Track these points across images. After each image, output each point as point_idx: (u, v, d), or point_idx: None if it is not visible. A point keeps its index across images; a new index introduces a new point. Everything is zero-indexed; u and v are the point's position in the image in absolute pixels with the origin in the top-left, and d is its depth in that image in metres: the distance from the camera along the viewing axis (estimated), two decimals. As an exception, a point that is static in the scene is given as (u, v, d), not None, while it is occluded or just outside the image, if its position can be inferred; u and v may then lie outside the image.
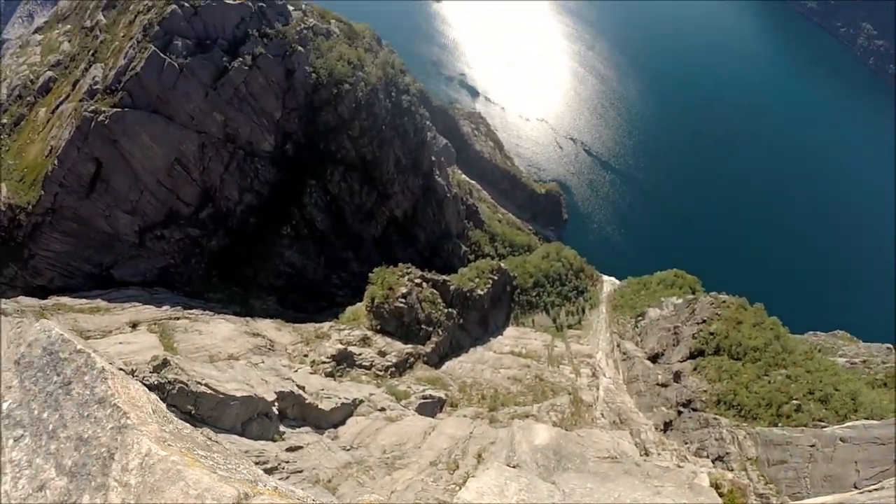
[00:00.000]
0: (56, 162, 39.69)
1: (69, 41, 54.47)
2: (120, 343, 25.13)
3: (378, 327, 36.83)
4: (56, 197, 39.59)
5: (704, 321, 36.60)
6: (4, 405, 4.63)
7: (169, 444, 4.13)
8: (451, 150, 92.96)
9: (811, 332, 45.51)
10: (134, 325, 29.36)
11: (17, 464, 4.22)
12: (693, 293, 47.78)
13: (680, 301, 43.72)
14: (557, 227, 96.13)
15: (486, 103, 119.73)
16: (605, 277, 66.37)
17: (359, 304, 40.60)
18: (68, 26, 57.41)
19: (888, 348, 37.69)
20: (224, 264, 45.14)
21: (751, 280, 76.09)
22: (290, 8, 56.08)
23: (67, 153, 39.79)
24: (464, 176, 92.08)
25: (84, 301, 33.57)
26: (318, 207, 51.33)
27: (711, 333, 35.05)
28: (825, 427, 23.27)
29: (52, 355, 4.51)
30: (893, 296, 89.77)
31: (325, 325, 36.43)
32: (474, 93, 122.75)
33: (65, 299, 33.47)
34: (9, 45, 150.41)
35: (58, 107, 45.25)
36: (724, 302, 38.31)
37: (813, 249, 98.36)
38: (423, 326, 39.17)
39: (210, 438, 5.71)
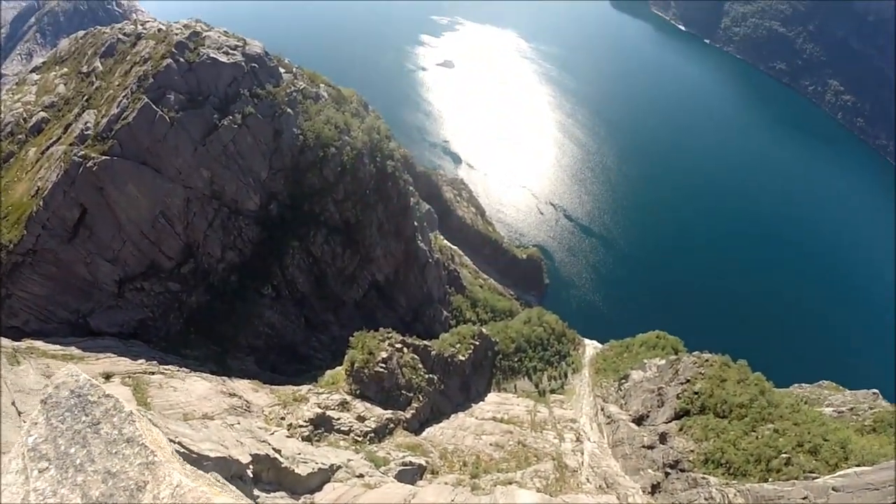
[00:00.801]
0: (41, 203, 39.92)
1: (65, 84, 55.38)
2: (92, 394, 24.48)
3: (357, 392, 36.56)
4: (38, 238, 39.60)
5: (688, 381, 37.07)
6: (30, 439, 5.16)
7: (196, 478, 4.71)
8: (434, 216, 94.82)
9: (796, 385, 46.01)
10: (107, 377, 29.04)
11: (42, 492, 4.51)
12: (676, 353, 48.48)
13: (663, 362, 44.26)
14: (539, 292, 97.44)
15: (468, 170, 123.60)
16: (587, 341, 67.14)
17: (338, 368, 40.49)
18: (65, 69, 58.52)
19: (874, 394, 38.16)
20: (203, 321, 44.79)
21: (733, 337, 77.29)
22: (282, 70, 58.11)
23: (53, 196, 40.01)
24: (446, 241, 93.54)
25: (58, 347, 33.23)
26: (300, 269, 51.44)
27: (696, 393, 35.42)
28: (816, 478, 23.28)
29: (80, 397, 5.08)
30: (876, 342, 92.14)
31: (304, 388, 36.09)
32: (457, 159, 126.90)
33: (39, 343, 33.11)
34: (6, 81, 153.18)
35: (48, 148, 45.64)
36: (707, 360, 38.88)
37: (793, 303, 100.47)
38: (404, 392, 39.01)
39: (219, 480, 6.25)
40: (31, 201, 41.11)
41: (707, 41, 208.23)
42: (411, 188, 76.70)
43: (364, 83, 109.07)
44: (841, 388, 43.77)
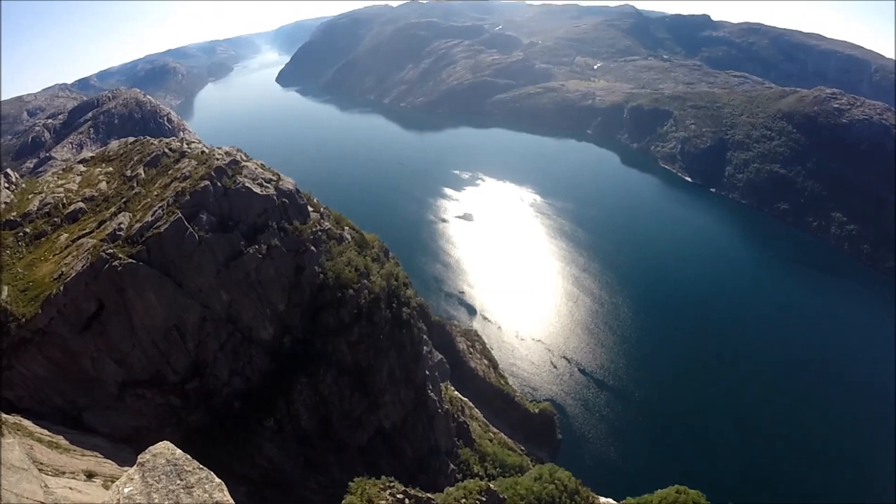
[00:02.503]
0: (62, 288, 40.52)
1: (107, 182, 57.13)
2: (70, 489, 24.07)
3: (352, 542, 35.77)
4: (51, 321, 39.92)
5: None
6: (126, 489, 7.32)
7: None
8: (446, 366, 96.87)
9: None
10: (90, 475, 28.68)
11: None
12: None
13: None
14: (551, 447, 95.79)
15: (483, 322, 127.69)
16: (602, 499, 65.42)
17: (334, 515, 39.88)
18: (111, 168, 60.96)
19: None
20: (199, 442, 44.40)
21: (756, 489, 73.99)
22: (310, 209, 61.70)
23: (75, 284, 40.72)
24: (457, 393, 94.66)
25: (46, 433, 33.08)
26: (305, 405, 52.25)
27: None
28: None
29: (175, 466, 7.72)
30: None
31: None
32: (472, 311, 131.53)
33: (27, 423, 33.06)
34: (53, 164, 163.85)
35: (79, 238, 46.67)
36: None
37: (816, 450, 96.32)
38: (401, 548, 38.13)
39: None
40: (53, 284, 41.75)
41: (713, 190, 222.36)
42: (425, 337, 79.56)
43: (386, 230, 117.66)
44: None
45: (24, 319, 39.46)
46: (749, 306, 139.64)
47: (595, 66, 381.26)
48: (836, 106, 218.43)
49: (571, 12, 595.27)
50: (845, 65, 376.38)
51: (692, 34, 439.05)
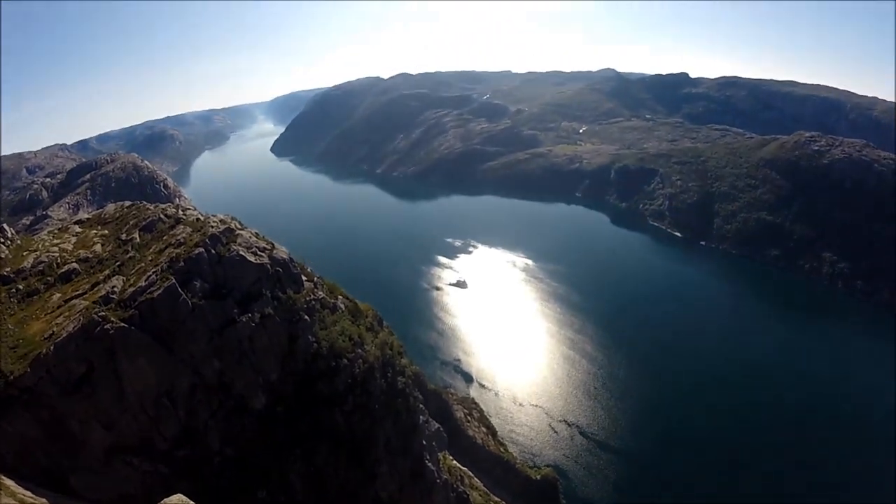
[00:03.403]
0: (52, 348, 40.14)
1: (102, 245, 57.05)
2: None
3: None
4: (40, 380, 39.52)
5: None
6: None
7: None
8: (443, 435, 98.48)
9: None
10: None
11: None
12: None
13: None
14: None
15: (479, 389, 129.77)
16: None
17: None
18: (106, 231, 60.99)
19: None
20: None
21: None
22: (304, 278, 61.84)
23: (66, 345, 40.38)
24: (455, 462, 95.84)
25: (29, 494, 32.34)
26: (299, 476, 51.75)
27: None
28: None
29: None
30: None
31: None
32: (468, 378, 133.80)
33: (9, 482, 32.34)
34: (49, 222, 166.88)
35: (72, 299, 46.46)
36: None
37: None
38: None
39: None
40: (43, 343, 41.44)
41: (703, 243, 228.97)
42: (421, 406, 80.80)
43: (380, 298, 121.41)
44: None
45: (11, 377, 39.12)
46: (748, 355, 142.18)
47: (581, 130, 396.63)
48: (817, 148, 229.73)
49: (555, 79, 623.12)
50: (821, 107, 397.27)
51: (672, 92, 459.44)
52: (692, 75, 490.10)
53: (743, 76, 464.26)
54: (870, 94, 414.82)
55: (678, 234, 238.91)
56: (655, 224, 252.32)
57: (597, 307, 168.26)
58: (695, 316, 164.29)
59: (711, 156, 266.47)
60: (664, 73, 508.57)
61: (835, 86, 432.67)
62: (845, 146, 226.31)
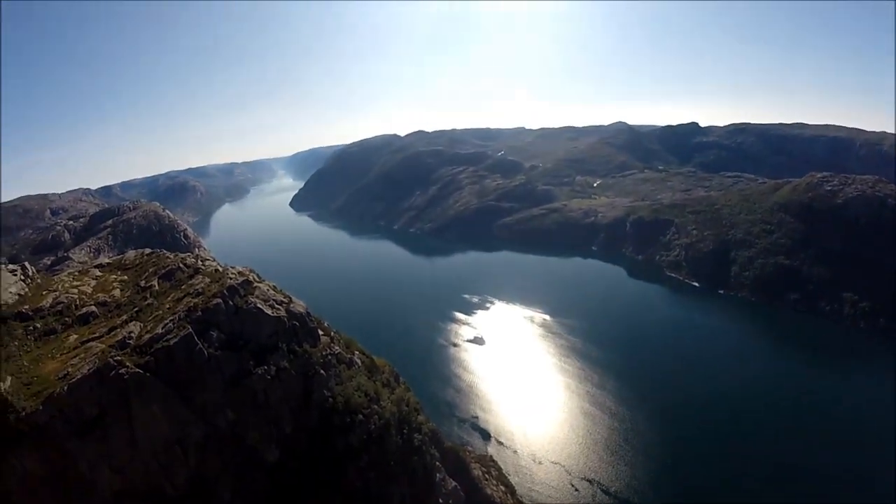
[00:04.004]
0: (66, 388, 40.44)
1: (121, 290, 57.83)
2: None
3: None
4: (51, 419, 39.52)
5: None
6: None
7: None
8: (461, 494, 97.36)
9: None
10: None
11: None
12: None
13: None
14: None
15: (498, 446, 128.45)
16: None
17: None
18: (125, 277, 61.98)
19: None
20: None
21: None
22: (320, 332, 62.71)
23: (80, 386, 40.63)
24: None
25: None
26: None
27: None
28: None
29: None
30: None
31: None
32: (486, 436, 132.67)
33: None
34: (70, 264, 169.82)
35: (89, 341, 46.86)
36: None
37: None
38: None
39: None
40: (57, 382, 41.47)
41: (721, 291, 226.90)
42: (438, 463, 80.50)
43: (397, 354, 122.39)
44: None
45: (23, 413, 39.20)
46: (774, 403, 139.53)
47: (595, 184, 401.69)
48: (829, 188, 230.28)
49: (568, 134, 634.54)
50: (831, 147, 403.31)
51: (683, 142, 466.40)
52: (702, 124, 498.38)
53: (752, 122, 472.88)
54: (878, 129, 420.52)
55: (696, 284, 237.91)
56: (672, 275, 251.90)
57: (617, 361, 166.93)
58: (717, 366, 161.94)
59: (725, 203, 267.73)
60: (674, 123, 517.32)
61: (843, 124, 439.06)
62: (858, 183, 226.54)
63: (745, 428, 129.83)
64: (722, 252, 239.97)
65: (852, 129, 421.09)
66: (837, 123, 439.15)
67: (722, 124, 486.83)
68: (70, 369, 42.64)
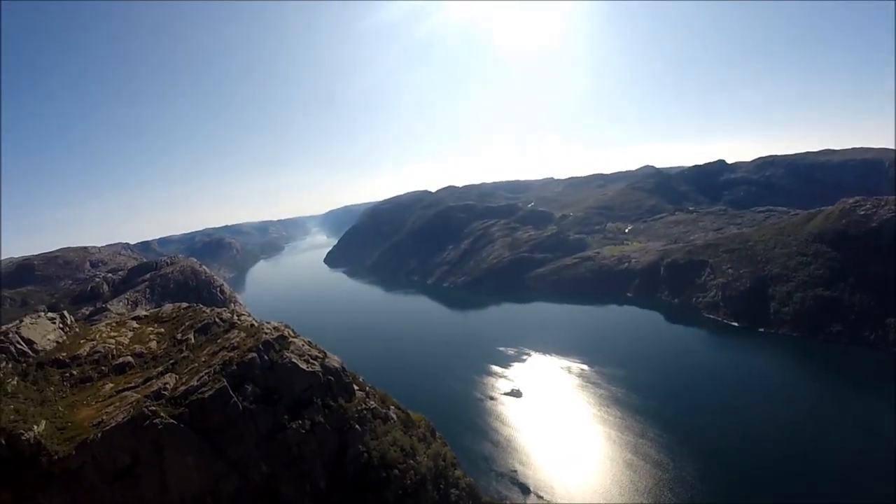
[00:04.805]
0: (99, 435, 41.12)
1: (157, 342, 59.00)
2: None
3: None
4: (84, 465, 40.00)
5: None
6: None
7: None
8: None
9: None
10: None
11: None
12: None
13: None
14: None
15: (537, 500, 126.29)
16: None
17: None
18: (162, 329, 63.11)
19: None
20: None
21: None
22: (355, 387, 63.85)
23: (113, 434, 41.26)
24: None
25: None
26: None
27: None
28: None
29: None
30: None
31: None
32: (525, 490, 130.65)
33: None
34: (107, 315, 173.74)
35: (124, 390, 47.67)
36: None
37: None
38: None
39: None
40: (91, 429, 42.15)
41: (762, 329, 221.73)
42: None
43: (433, 409, 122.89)
44: None
45: (56, 457, 40.16)
46: (823, 440, 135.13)
47: (626, 230, 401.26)
48: (863, 213, 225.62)
49: (597, 181, 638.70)
50: (861, 170, 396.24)
51: (712, 181, 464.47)
52: (728, 160, 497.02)
53: (779, 153, 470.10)
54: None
55: (735, 324, 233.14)
56: (711, 316, 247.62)
57: (658, 408, 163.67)
58: (762, 407, 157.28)
59: (759, 239, 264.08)
60: (700, 161, 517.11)
61: (871, 144, 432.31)
62: (891, 204, 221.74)
63: (796, 470, 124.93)
64: (759, 289, 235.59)
65: (880, 149, 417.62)
66: (866, 145, 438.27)
67: (748, 159, 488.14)
68: (105, 417, 43.85)
